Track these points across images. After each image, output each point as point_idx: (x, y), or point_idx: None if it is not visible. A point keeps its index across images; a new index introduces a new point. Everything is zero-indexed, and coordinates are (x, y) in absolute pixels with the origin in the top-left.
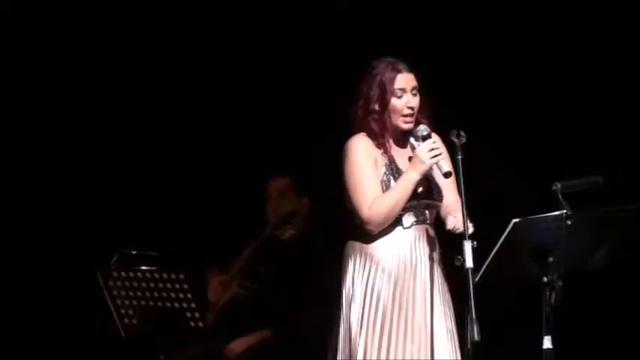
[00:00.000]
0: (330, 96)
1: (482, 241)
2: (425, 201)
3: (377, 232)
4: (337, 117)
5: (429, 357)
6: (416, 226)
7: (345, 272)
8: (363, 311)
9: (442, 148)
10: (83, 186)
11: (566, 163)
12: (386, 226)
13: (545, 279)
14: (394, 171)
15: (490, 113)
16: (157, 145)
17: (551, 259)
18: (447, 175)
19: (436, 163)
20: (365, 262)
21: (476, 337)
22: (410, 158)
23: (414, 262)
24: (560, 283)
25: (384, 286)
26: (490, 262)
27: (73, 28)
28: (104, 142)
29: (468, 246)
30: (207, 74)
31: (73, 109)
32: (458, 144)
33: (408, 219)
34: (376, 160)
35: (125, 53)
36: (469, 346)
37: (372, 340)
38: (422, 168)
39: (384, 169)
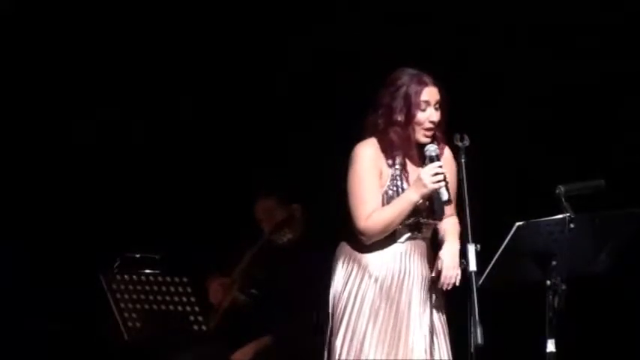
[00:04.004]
0: (332, 101)
1: (486, 244)
2: (423, 220)
3: (370, 242)
4: (338, 120)
5: None
6: (410, 241)
7: (333, 273)
8: (344, 313)
9: (451, 165)
10: (84, 188)
11: (568, 166)
12: (380, 239)
13: (548, 282)
14: (398, 186)
15: (492, 115)
16: (157, 148)
17: (554, 263)
18: (445, 203)
19: (437, 189)
20: (353, 267)
21: (479, 340)
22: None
23: (402, 274)
24: (564, 287)
25: (368, 291)
26: (493, 265)
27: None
28: (107, 145)
29: (471, 249)
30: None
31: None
32: (462, 147)
33: (403, 234)
34: (381, 171)
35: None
36: (472, 349)
37: (351, 343)
38: (422, 191)
39: (388, 182)
